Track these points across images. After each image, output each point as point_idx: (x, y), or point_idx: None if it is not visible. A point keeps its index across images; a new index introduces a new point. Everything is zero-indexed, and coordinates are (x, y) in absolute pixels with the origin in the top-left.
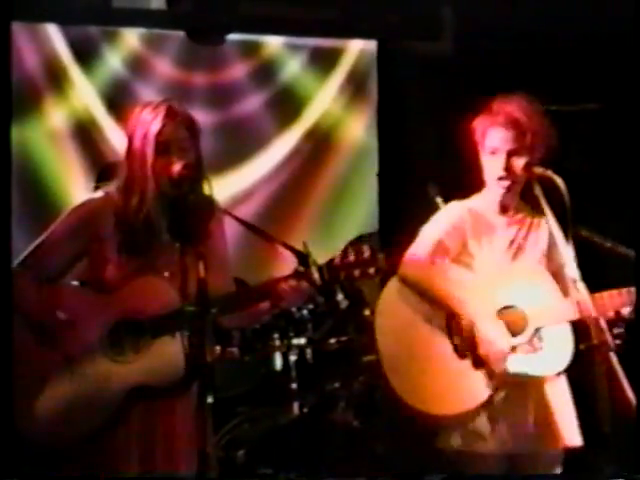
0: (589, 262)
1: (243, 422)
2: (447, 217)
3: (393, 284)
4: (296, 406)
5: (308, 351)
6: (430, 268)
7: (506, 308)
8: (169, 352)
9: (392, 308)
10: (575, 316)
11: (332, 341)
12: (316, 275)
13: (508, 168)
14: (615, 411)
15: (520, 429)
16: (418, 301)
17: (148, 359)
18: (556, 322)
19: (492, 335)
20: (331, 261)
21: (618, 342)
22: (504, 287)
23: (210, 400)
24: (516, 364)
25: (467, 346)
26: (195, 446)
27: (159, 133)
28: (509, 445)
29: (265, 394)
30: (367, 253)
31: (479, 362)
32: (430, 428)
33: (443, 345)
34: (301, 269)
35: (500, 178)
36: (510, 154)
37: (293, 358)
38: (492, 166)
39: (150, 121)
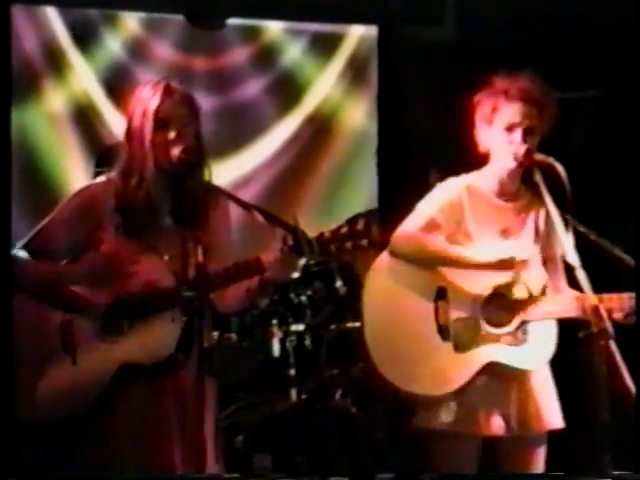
0: (584, 262)
1: (241, 408)
2: (443, 194)
3: (384, 257)
4: (294, 392)
5: (307, 337)
6: (420, 236)
7: (495, 296)
8: (160, 331)
9: (381, 281)
10: (572, 313)
11: (331, 327)
12: (306, 247)
13: (522, 145)
14: (614, 399)
15: (502, 413)
16: (408, 276)
17: (138, 338)
18: (546, 317)
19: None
20: (322, 234)
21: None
22: (497, 274)
23: (215, 385)
24: (499, 354)
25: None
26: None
27: (158, 109)
28: (489, 428)
29: (263, 380)
30: (360, 225)
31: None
32: (406, 405)
33: (428, 324)
34: (291, 241)
35: (515, 153)
36: (526, 131)
37: (291, 344)
38: (506, 141)
39: (149, 98)
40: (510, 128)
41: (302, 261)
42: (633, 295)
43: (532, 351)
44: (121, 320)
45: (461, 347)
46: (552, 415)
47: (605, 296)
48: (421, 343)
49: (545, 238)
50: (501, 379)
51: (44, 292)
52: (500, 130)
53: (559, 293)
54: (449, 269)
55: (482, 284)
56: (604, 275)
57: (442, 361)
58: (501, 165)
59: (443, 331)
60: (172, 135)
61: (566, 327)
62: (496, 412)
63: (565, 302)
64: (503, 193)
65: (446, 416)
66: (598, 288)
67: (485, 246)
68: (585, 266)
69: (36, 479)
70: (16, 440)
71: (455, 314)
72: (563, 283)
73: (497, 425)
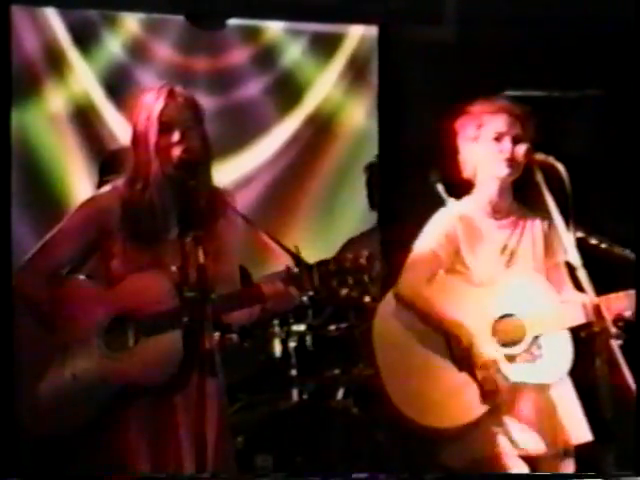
0: (587, 264)
1: (242, 408)
2: (438, 228)
3: (390, 298)
4: (295, 393)
5: (308, 338)
6: (426, 287)
7: (503, 317)
8: (163, 350)
9: (390, 322)
10: (580, 320)
11: (332, 328)
12: (307, 280)
13: (513, 152)
14: (616, 398)
15: (527, 433)
16: (414, 317)
17: (142, 357)
18: (555, 329)
19: (489, 357)
20: (323, 264)
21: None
22: (500, 296)
23: (222, 386)
24: (517, 373)
25: (465, 367)
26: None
27: (161, 113)
28: (516, 449)
29: (264, 380)
30: (363, 259)
31: (476, 382)
32: (431, 442)
33: (442, 357)
34: (293, 270)
35: (507, 159)
36: (515, 139)
37: (293, 345)
38: (496, 150)
39: (153, 103)
40: (499, 138)
41: (299, 295)
42: (623, 294)
43: (550, 364)
44: (125, 336)
45: (475, 382)
46: (578, 428)
47: (612, 296)
48: (439, 378)
49: (546, 247)
50: (521, 399)
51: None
52: (489, 141)
53: (563, 299)
54: (454, 307)
55: (487, 310)
56: (608, 276)
57: (463, 391)
58: (491, 180)
59: (458, 362)
60: (176, 138)
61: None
62: (519, 431)
63: (572, 310)
64: (496, 211)
65: (472, 452)
66: (604, 288)
67: (486, 281)
68: (588, 267)
69: (36, 479)
70: (17, 440)
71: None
72: (569, 289)
73: (525, 446)
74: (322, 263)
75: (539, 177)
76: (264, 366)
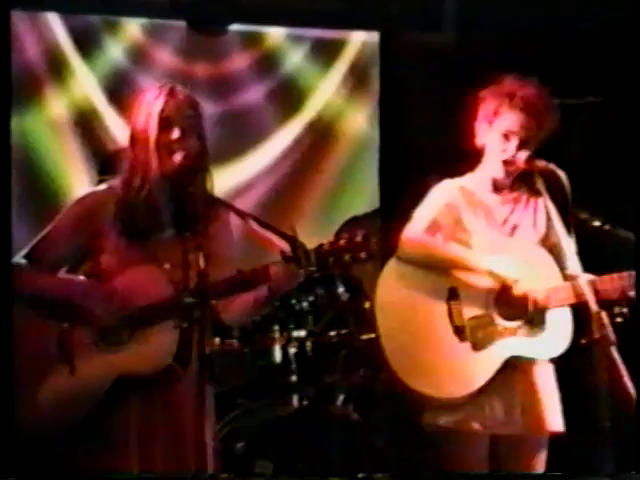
0: (588, 245)
1: (242, 414)
2: (439, 196)
3: (392, 264)
4: (295, 399)
5: (308, 344)
6: (428, 240)
7: (507, 287)
8: (158, 342)
9: (392, 289)
10: (571, 300)
11: (332, 334)
12: (303, 259)
13: (515, 155)
14: (616, 406)
15: (507, 413)
16: (418, 281)
17: (137, 348)
18: (558, 305)
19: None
20: (321, 245)
21: (620, 320)
22: (504, 265)
23: (213, 391)
24: (518, 347)
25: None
26: (194, 438)
27: (162, 110)
28: (494, 428)
29: (264, 386)
30: (359, 237)
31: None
32: (420, 407)
33: (444, 326)
34: (289, 254)
35: (506, 162)
36: (522, 142)
37: (293, 350)
38: (499, 147)
39: (153, 101)
40: (507, 135)
41: (302, 272)
42: (626, 274)
43: (550, 340)
44: (120, 330)
45: (479, 345)
46: (553, 417)
47: (597, 279)
48: (439, 347)
49: (546, 226)
50: (509, 377)
51: (43, 303)
52: (497, 135)
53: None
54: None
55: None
56: (608, 258)
57: (462, 362)
58: (494, 165)
59: (459, 332)
60: (176, 134)
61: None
62: (503, 410)
63: (562, 290)
64: (498, 188)
65: (451, 417)
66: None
67: (488, 249)
68: (589, 252)
69: (36, 479)
70: (16, 440)
71: (469, 313)
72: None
73: (503, 423)
74: (319, 245)
75: (540, 184)
76: (264, 372)
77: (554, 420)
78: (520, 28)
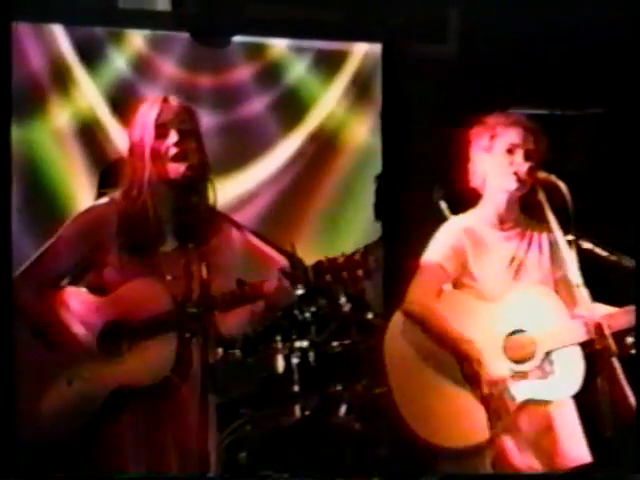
0: (593, 275)
1: (245, 424)
2: (444, 240)
3: (398, 317)
4: (298, 409)
5: (311, 354)
6: (434, 303)
7: (514, 333)
8: (156, 354)
9: (400, 340)
10: (584, 337)
11: (335, 344)
12: (300, 276)
13: (524, 166)
14: (617, 416)
15: (527, 450)
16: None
17: (135, 361)
18: (566, 344)
19: (497, 376)
20: (319, 262)
21: (630, 352)
22: (511, 311)
23: (215, 401)
24: (528, 390)
25: (473, 384)
26: (195, 448)
27: (157, 117)
28: (516, 467)
29: (267, 396)
30: (357, 255)
31: (482, 401)
32: (435, 459)
33: (453, 375)
34: (288, 270)
35: (516, 173)
36: (527, 154)
37: (296, 361)
38: (506, 164)
39: (148, 111)
40: (511, 150)
41: (300, 290)
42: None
43: (561, 380)
44: (119, 343)
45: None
46: (576, 450)
47: (615, 312)
48: (451, 396)
49: (552, 260)
50: (526, 417)
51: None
52: (501, 153)
53: (575, 315)
54: (462, 324)
55: (498, 326)
56: (611, 288)
57: (474, 410)
58: (500, 192)
59: (469, 380)
60: (173, 139)
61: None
62: (523, 450)
63: (576, 327)
64: (503, 222)
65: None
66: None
67: (495, 296)
68: (594, 280)
69: (36, 479)
70: (16, 440)
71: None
72: (579, 303)
73: (523, 464)
74: (318, 262)
75: (541, 195)
76: (267, 382)
77: (577, 453)
78: (522, 40)
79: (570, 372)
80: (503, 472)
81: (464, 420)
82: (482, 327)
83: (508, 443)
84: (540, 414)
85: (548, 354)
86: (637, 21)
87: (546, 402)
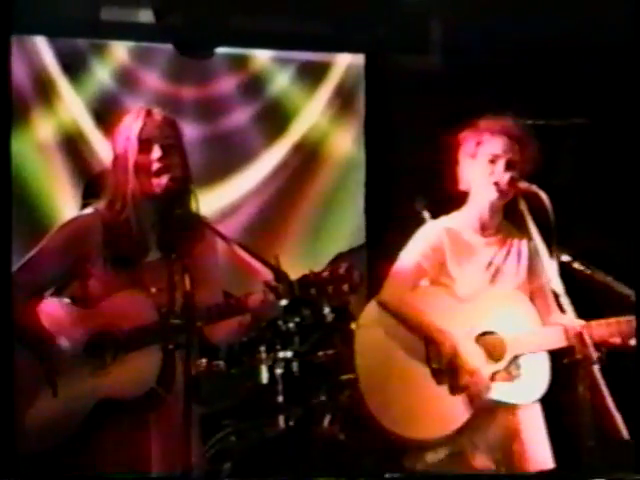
0: (579, 292)
1: (229, 435)
2: (425, 239)
3: (372, 307)
4: (282, 419)
5: (294, 364)
6: (409, 295)
7: (485, 334)
8: (140, 366)
9: (371, 329)
10: (562, 344)
11: (319, 354)
12: (286, 290)
13: (504, 176)
14: (598, 425)
15: (488, 452)
16: (397, 324)
17: (119, 373)
18: (536, 350)
19: (474, 364)
20: (304, 276)
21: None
22: (483, 312)
23: (199, 412)
24: (494, 392)
25: (447, 373)
26: (180, 458)
27: (140, 132)
28: (476, 467)
29: (251, 407)
30: (342, 269)
31: (458, 389)
32: (400, 450)
33: (421, 369)
34: (273, 283)
35: (496, 184)
36: (509, 163)
37: (279, 371)
38: (487, 171)
39: (131, 123)
40: (493, 160)
41: (284, 302)
42: (627, 319)
43: (526, 385)
44: (104, 354)
45: (457, 389)
46: (540, 455)
47: (594, 323)
48: (417, 389)
49: (530, 268)
50: (489, 418)
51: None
52: (484, 162)
53: (549, 323)
54: (437, 315)
55: (469, 325)
56: (598, 302)
57: (439, 404)
58: (483, 199)
59: (437, 375)
60: (156, 154)
61: (550, 354)
62: (483, 451)
63: (553, 334)
64: (485, 228)
65: (433, 457)
66: (594, 315)
67: (470, 296)
68: (572, 292)
69: (36, 479)
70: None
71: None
72: (554, 312)
73: (484, 464)
74: (303, 276)
75: (522, 205)
76: (251, 393)
77: (540, 458)
78: (504, 51)
79: (536, 377)
80: (460, 468)
81: (428, 413)
82: (454, 324)
83: (469, 441)
84: (504, 416)
85: (516, 358)
86: (624, 31)
87: (511, 405)
